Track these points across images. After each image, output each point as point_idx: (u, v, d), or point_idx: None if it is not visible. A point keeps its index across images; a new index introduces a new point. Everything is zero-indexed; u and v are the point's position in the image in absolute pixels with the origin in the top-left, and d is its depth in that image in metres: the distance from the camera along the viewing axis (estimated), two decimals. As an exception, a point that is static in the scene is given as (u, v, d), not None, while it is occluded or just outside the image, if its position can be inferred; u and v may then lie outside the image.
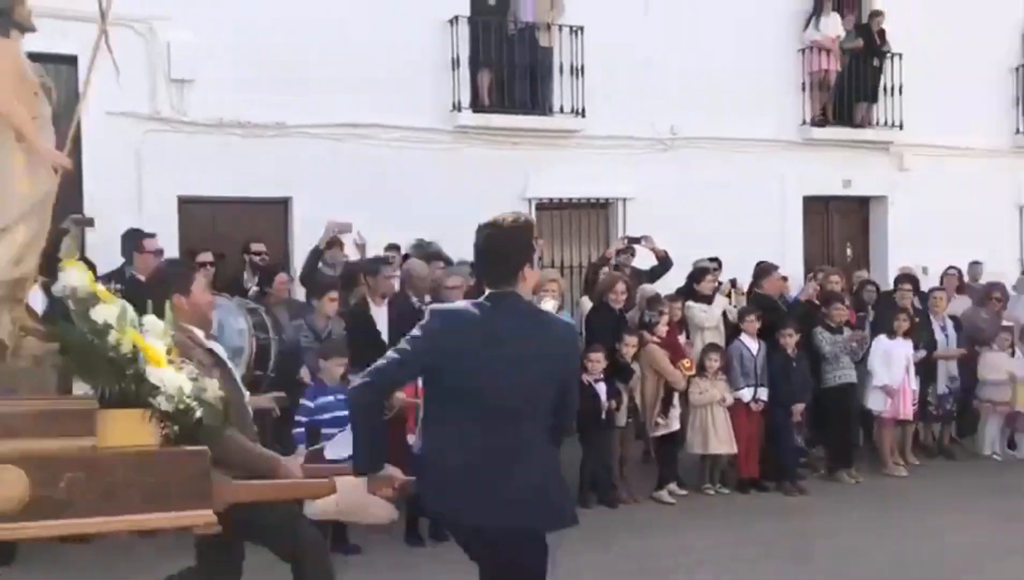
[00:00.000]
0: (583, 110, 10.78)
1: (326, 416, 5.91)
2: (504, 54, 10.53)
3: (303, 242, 8.79)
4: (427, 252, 8.29)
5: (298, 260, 8.80)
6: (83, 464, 2.58)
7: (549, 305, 6.78)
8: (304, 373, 6.43)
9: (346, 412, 5.55)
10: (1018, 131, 13.28)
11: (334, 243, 7.89)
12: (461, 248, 8.25)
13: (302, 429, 5.90)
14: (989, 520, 6.84)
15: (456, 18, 10.32)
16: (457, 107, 10.40)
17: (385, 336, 6.56)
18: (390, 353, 3.23)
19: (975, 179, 12.60)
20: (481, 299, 3.19)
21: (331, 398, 5.97)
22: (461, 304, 3.53)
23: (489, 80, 10.62)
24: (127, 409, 2.76)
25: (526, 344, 3.09)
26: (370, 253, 8.16)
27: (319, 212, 8.55)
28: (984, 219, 12.69)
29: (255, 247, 8.60)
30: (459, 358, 3.07)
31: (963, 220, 12.28)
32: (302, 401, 6.00)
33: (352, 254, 8.17)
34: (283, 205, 10.03)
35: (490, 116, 10.54)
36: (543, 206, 11.06)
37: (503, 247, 3.14)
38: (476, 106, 10.53)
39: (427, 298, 7.05)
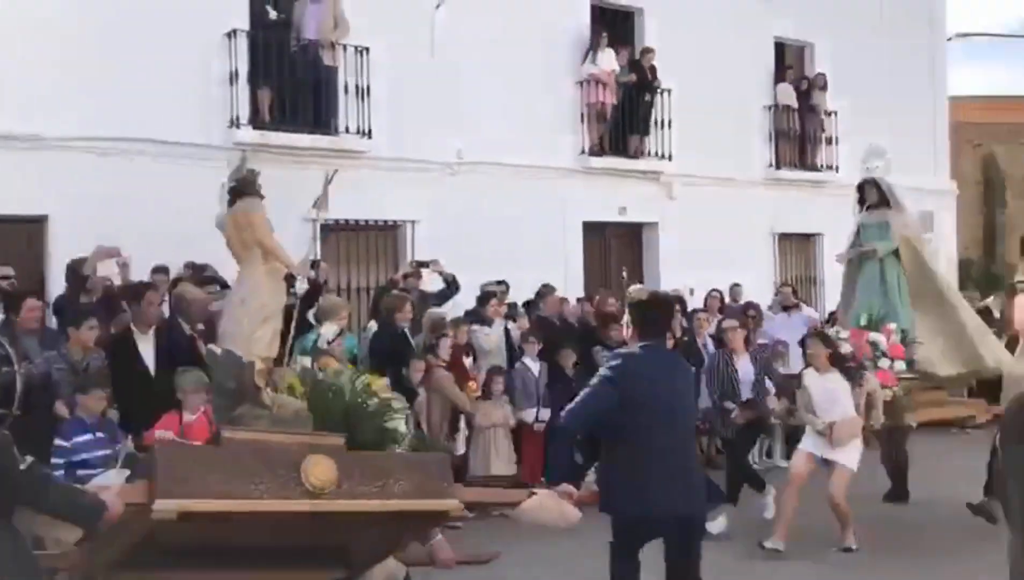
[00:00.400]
0: (369, 131, 10.67)
1: (84, 456, 5.41)
2: (286, 71, 10.23)
3: (61, 264, 8.07)
4: (201, 276, 7.85)
5: (55, 284, 8.08)
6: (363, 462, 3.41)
7: (331, 330, 6.63)
8: (60, 407, 5.87)
9: (107, 451, 5.12)
10: (771, 164, 14.53)
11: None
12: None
13: (61, 471, 5.33)
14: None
15: (234, 31, 9.93)
16: (236, 123, 9.98)
17: (151, 367, 6.12)
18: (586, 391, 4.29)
19: (735, 208, 13.66)
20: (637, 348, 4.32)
21: (90, 436, 5.48)
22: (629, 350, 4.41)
23: (270, 97, 10.27)
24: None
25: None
26: (134, 277, 7.61)
27: (79, 232, 7.90)
28: (743, 244, 13.78)
29: (0, 270, 7.79)
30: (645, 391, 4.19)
31: (725, 245, 13.29)
32: (57, 440, 5.47)
33: (114, 277, 7.59)
34: (39, 224, 9.18)
35: (272, 134, 10.19)
36: (329, 228, 10.80)
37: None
38: (256, 123, 10.15)
39: (200, 327, 6.66)
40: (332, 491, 3.20)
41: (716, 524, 6.40)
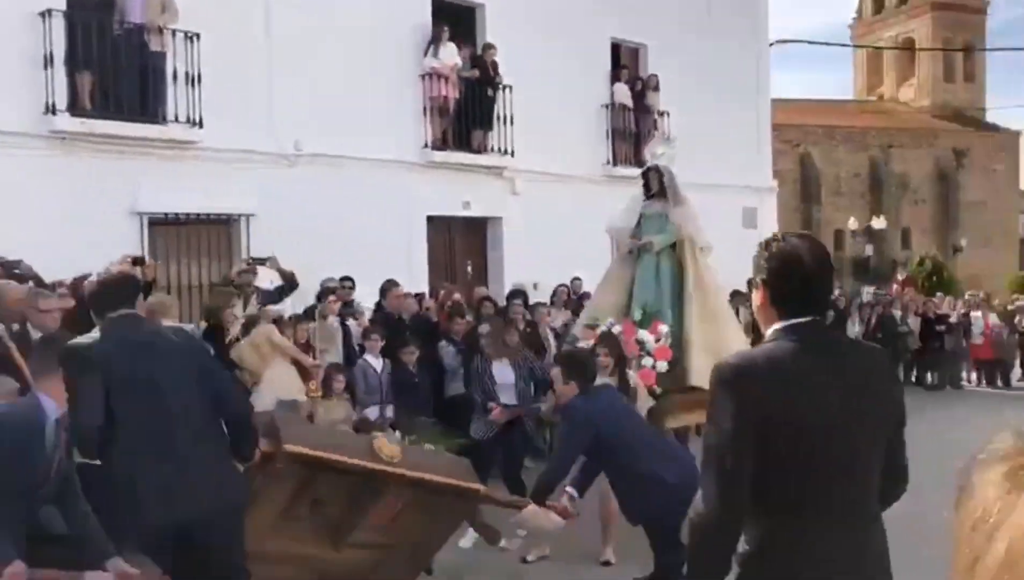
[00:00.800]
0: (200, 120, 10.20)
1: None
2: (108, 55, 9.62)
3: None
4: (11, 272, 7.25)
5: None
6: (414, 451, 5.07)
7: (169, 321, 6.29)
8: None
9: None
10: (607, 161, 14.95)
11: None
12: (60, 266, 7.38)
13: None
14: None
15: (49, 11, 9.23)
16: (52, 110, 9.29)
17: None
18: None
19: (575, 204, 13.95)
20: None
21: None
22: None
23: (91, 82, 9.63)
24: None
25: None
26: (-62, 275, 6.95)
27: None
28: (583, 240, 14.09)
29: None
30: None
31: (566, 240, 13.55)
32: None
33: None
34: None
35: (92, 121, 9.56)
36: (158, 222, 10.27)
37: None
38: (75, 110, 9.49)
39: (15, 326, 6.14)
40: (397, 462, 4.17)
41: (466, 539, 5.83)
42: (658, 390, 6.56)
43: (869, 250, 37.69)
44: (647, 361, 6.68)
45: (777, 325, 2.33)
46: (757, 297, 2.42)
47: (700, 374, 6.60)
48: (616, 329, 6.84)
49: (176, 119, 10.08)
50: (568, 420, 4.82)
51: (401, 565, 4.48)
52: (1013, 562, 0.45)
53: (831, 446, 2.23)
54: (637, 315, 7.10)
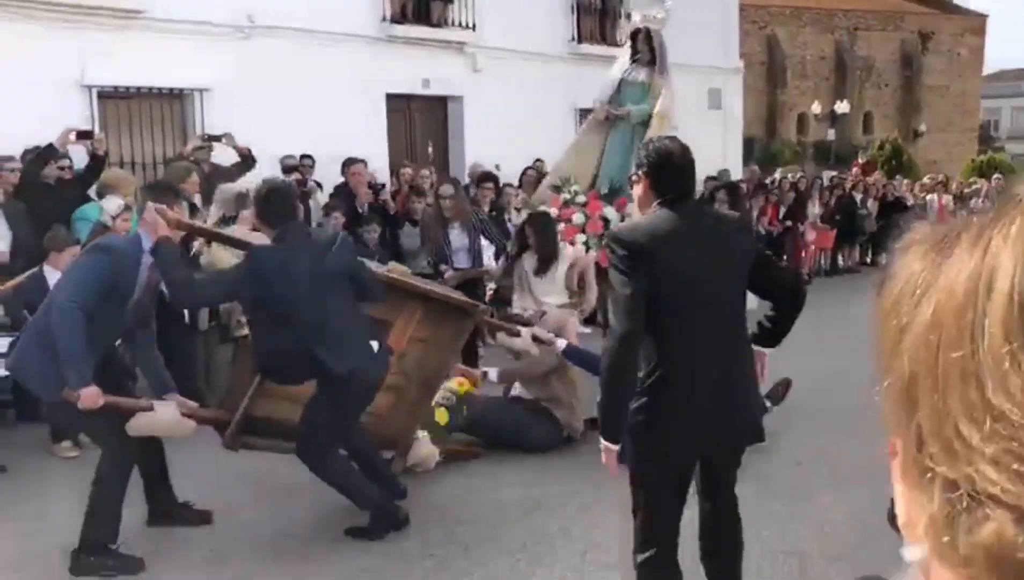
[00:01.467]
0: (148, -12, 9.73)
1: None
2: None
3: None
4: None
5: None
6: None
7: (114, 204, 6.15)
8: None
9: None
10: (572, 38, 14.61)
11: None
12: (8, 139, 7.14)
13: None
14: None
15: None
16: (-13, -26, 8.80)
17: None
18: None
19: (538, 81, 13.70)
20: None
21: None
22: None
23: (30, -55, 9.10)
24: None
25: None
26: None
27: None
28: (546, 120, 13.91)
29: None
30: None
31: (529, 120, 13.36)
32: None
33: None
34: None
35: (34, -12, 9.09)
36: (107, 95, 9.91)
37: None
38: (15, -25, 8.99)
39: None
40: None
41: None
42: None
43: (832, 135, 37.74)
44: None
45: (656, 204, 3.05)
46: (640, 187, 3.15)
47: None
48: (581, 199, 6.77)
49: (122, -14, 9.61)
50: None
51: (411, 401, 4.75)
52: (939, 322, 0.46)
53: (699, 288, 2.96)
54: (604, 188, 6.85)
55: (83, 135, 6.86)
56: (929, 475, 0.47)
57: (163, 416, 3.92)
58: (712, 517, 3.27)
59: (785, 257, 13.37)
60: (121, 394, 4.04)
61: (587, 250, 6.43)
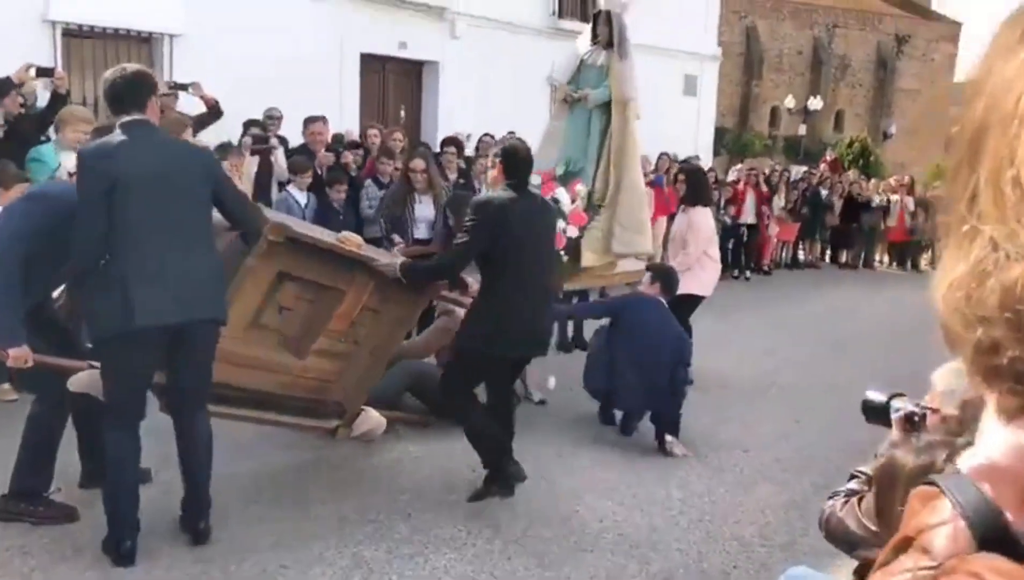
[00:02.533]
0: (121, -75, 9.45)
1: None
2: None
3: None
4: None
5: None
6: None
7: (72, 160, 5.99)
8: None
9: None
10: (553, 12, 14.49)
11: None
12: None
13: None
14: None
15: None
16: None
17: None
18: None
19: (516, 53, 13.58)
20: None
21: None
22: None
23: None
24: None
25: None
26: None
27: None
28: (522, 92, 13.81)
29: None
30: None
31: (504, 91, 13.27)
32: None
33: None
34: None
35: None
36: (72, 33, 9.63)
37: None
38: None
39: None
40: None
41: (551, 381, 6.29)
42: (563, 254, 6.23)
43: (803, 130, 38.00)
44: (559, 224, 6.44)
45: (502, 184, 4.45)
46: (494, 171, 4.56)
47: (624, 242, 6.60)
48: (535, 180, 6.67)
49: (93, -80, 9.32)
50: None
51: (361, 369, 4.70)
52: None
53: (524, 248, 4.35)
54: (559, 170, 6.74)
55: (43, 72, 6.63)
56: (972, 234, 0.49)
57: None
58: (503, 399, 4.70)
59: (744, 248, 13.51)
60: (63, 345, 3.89)
61: None
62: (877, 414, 2.43)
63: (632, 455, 5.34)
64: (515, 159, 4.47)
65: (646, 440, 5.55)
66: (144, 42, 10.29)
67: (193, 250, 3.56)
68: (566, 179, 6.68)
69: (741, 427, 5.99)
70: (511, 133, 12.38)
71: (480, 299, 4.44)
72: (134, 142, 3.44)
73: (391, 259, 4.54)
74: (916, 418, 2.29)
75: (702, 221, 6.95)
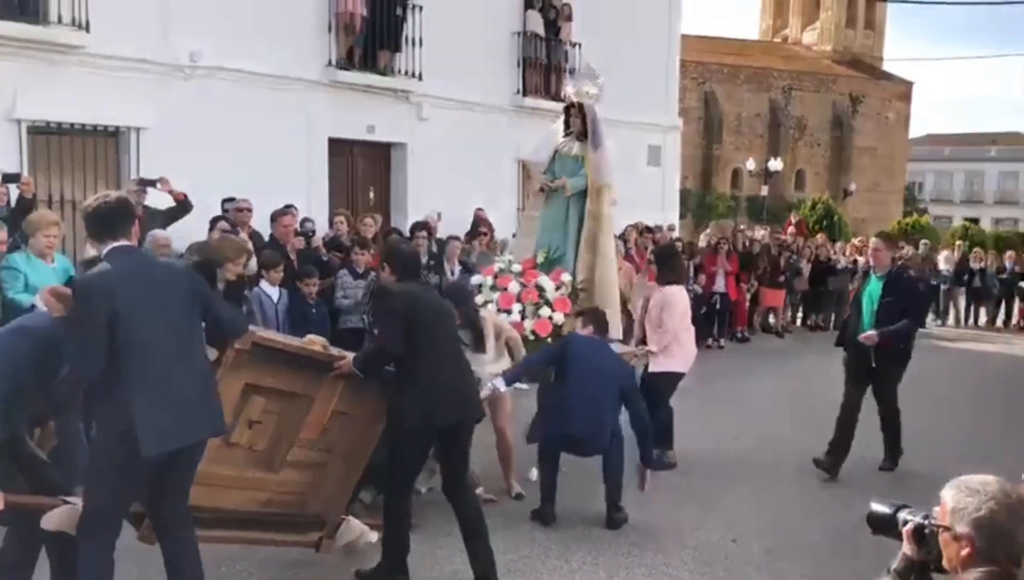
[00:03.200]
0: (87, 23, 9.48)
1: None
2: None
3: None
4: None
5: None
6: None
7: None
8: None
9: None
10: (518, 91, 14.71)
11: None
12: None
13: None
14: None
15: None
16: (-84, 3, 8.48)
17: None
18: None
19: (483, 133, 13.73)
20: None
21: None
22: None
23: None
24: None
25: None
26: None
27: None
28: (489, 170, 13.95)
29: None
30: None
31: (472, 170, 13.39)
32: None
33: None
34: None
35: (-36, 19, 8.78)
36: (39, 130, 9.60)
37: None
38: (-56, 4, 8.69)
39: None
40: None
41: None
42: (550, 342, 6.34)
43: (765, 191, 38.69)
44: (544, 311, 6.48)
45: (398, 280, 4.65)
46: (387, 271, 4.71)
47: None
48: (516, 268, 6.75)
49: (60, 20, 9.35)
50: None
51: (337, 477, 4.62)
52: None
53: (436, 328, 4.61)
54: (540, 257, 6.88)
55: (8, 178, 6.55)
56: None
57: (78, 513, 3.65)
58: (460, 489, 4.68)
59: (723, 317, 13.59)
60: (39, 480, 3.77)
61: (522, 318, 6.44)
62: (884, 526, 2.41)
63: (620, 548, 5.23)
64: (402, 253, 4.87)
65: (637, 531, 5.46)
66: (111, 136, 10.27)
67: (191, 365, 3.64)
68: (547, 266, 6.77)
69: (727, 515, 5.92)
70: (479, 209, 12.52)
71: (402, 381, 4.44)
72: (127, 270, 3.53)
73: (350, 355, 4.52)
74: (926, 531, 2.29)
75: (677, 299, 6.99)
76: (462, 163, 13.25)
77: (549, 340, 6.36)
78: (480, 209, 12.50)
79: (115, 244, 3.60)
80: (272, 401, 4.28)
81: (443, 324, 4.62)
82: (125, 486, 3.56)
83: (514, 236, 11.15)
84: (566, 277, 6.67)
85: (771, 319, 15.15)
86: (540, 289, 6.53)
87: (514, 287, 6.59)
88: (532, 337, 6.32)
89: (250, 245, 7.32)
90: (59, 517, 3.60)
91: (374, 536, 4.88)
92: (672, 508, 5.89)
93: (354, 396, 4.46)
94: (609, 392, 5.54)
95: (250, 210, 8.82)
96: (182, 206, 8.37)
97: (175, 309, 3.61)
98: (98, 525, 3.52)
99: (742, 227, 17.19)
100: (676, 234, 15.65)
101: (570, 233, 6.86)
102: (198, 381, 3.65)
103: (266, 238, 8.69)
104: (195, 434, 3.66)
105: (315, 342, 4.48)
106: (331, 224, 10.16)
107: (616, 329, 6.63)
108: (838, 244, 17.28)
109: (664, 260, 7.25)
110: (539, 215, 7.12)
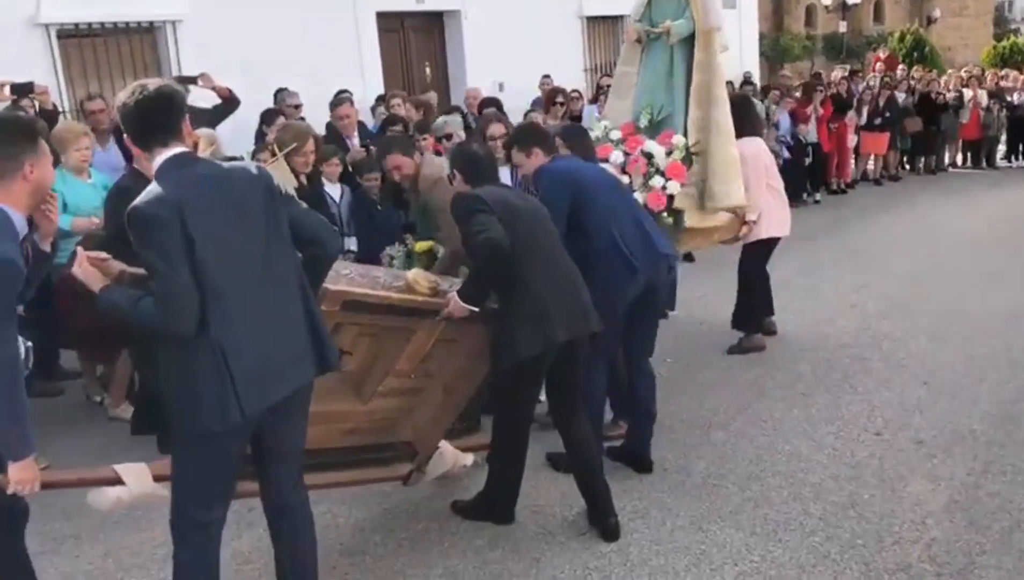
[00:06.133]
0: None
1: None
2: None
3: None
4: None
5: None
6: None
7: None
8: None
9: None
10: (579, -59, 13.40)
11: None
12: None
13: None
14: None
15: None
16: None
17: None
18: None
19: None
20: None
21: None
22: None
23: None
24: None
25: None
26: None
27: None
28: (551, 31, 12.85)
29: None
30: None
31: (532, 33, 12.32)
32: None
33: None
34: None
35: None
36: (68, 34, 8.93)
37: None
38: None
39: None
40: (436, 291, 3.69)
41: None
42: (666, 217, 5.47)
43: (843, 27, 36.05)
44: (656, 180, 5.50)
45: (467, 187, 3.86)
46: (459, 180, 3.97)
47: (720, 196, 5.70)
48: (615, 135, 5.86)
49: (73, -92, 8.53)
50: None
51: (434, 405, 4.04)
52: None
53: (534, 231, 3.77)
54: (643, 120, 5.88)
55: (20, 89, 5.83)
56: None
57: (136, 487, 3.06)
58: (574, 415, 3.96)
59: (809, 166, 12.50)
60: None
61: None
62: None
63: (745, 468, 4.60)
64: (473, 159, 3.99)
65: (757, 444, 4.81)
66: (146, 33, 9.55)
67: (288, 296, 2.83)
68: (653, 130, 5.86)
69: (864, 403, 5.21)
70: (546, 77, 11.51)
71: (505, 305, 3.66)
72: (193, 187, 2.65)
73: (452, 293, 3.68)
74: None
75: (756, 152, 6.06)
76: (522, 27, 12.19)
77: (665, 215, 5.55)
78: (547, 76, 11.49)
79: (166, 153, 2.70)
80: (366, 329, 3.63)
81: (543, 226, 3.81)
82: (226, 456, 2.79)
83: (593, 101, 10.21)
84: (677, 139, 5.70)
85: (870, 166, 13.96)
86: (648, 156, 5.65)
87: (616, 157, 5.63)
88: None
89: (313, 129, 6.56)
90: (111, 499, 3.07)
91: (470, 459, 4.37)
92: (804, 402, 5.22)
93: (461, 322, 3.73)
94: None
95: (298, 106, 8.13)
96: (228, 102, 7.71)
97: (259, 225, 2.75)
98: (193, 512, 2.81)
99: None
100: (756, 84, 14.34)
101: (676, 88, 5.87)
102: (297, 309, 2.85)
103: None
104: (301, 378, 2.87)
105: (419, 282, 3.69)
106: (387, 107, 9.35)
107: (737, 195, 5.73)
108: (943, 78, 15.66)
109: (740, 109, 6.16)
110: (636, 71, 6.14)
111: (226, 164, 2.96)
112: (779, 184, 6.17)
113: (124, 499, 3.08)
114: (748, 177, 5.80)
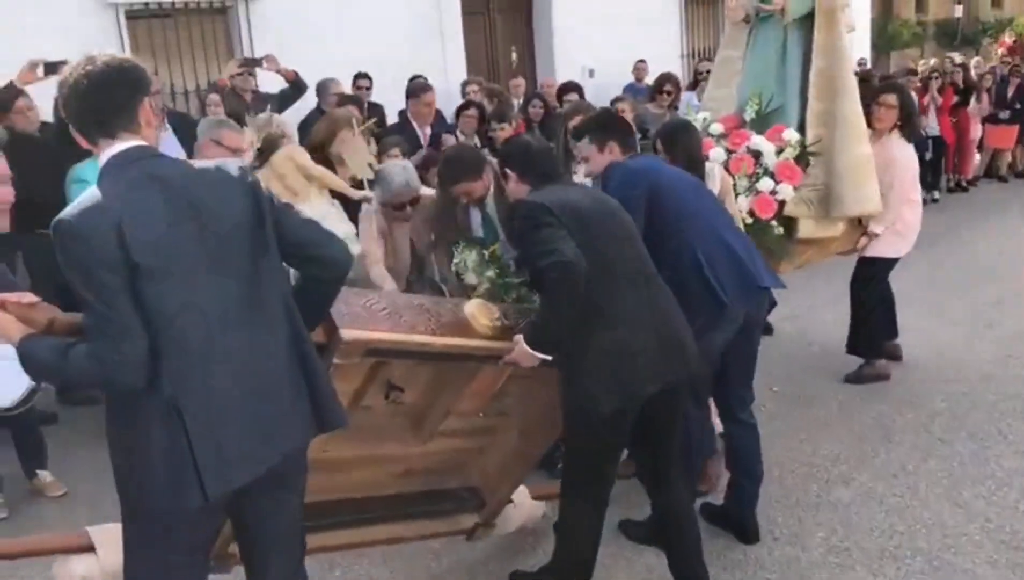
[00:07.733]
0: None
1: None
2: None
3: None
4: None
5: None
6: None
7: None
8: None
9: None
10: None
11: None
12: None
13: None
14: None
15: None
16: None
17: None
18: None
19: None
20: None
21: None
22: None
23: None
24: None
25: None
26: None
27: None
28: (646, 12, 12.04)
29: None
30: None
31: (626, 15, 11.54)
32: None
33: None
34: None
35: None
36: (137, 14, 8.56)
37: None
38: None
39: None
40: (498, 328, 2.91)
41: None
42: (776, 226, 4.67)
43: (958, 11, 33.87)
44: (765, 183, 4.68)
45: (529, 190, 3.07)
46: (513, 181, 3.16)
47: (851, 202, 4.81)
48: (715, 129, 5.02)
49: None
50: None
51: (509, 449, 3.35)
52: None
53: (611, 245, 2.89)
54: (749, 112, 5.02)
55: (53, 67, 5.35)
56: None
57: (110, 560, 2.46)
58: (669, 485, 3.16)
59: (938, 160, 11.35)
60: None
61: (736, 197, 4.46)
62: None
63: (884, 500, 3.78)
64: (528, 147, 3.22)
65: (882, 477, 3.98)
66: (218, 13, 9.13)
67: (275, 337, 2.14)
68: (761, 123, 4.98)
69: (1020, 457, 4.30)
70: (641, 62, 10.69)
71: (575, 342, 2.76)
72: (143, 193, 2.00)
73: (518, 335, 2.85)
74: None
75: (907, 157, 5.15)
76: (614, 7, 11.39)
77: (774, 223, 4.73)
78: (642, 61, 10.68)
79: (115, 147, 2.06)
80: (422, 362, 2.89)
81: (623, 230, 2.94)
82: (177, 553, 2.12)
83: (691, 88, 9.36)
84: (790, 135, 4.82)
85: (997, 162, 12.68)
86: (755, 154, 4.78)
87: (718, 155, 4.77)
88: (750, 219, 4.62)
89: (355, 112, 5.98)
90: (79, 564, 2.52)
91: (541, 509, 3.69)
92: (916, 453, 4.38)
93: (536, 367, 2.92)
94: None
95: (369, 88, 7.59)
96: (295, 86, 7.22)
97: (233, 246, 2.07)
98: None
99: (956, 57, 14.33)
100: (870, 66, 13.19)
101: (790, 76, 4.97)
102: (287, 354, 2.16)
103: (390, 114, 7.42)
104: (288, 442, 2.17)
105: (478, 318, 2.88)
106: (462, 93, 8.70)
107: (873, 200, 4.83)
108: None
109: (904, 101, 5.21)
110: (741, 55, 5.26)
111: (197, 163, 2.22)
112: (919, 196, 5.28)
113: (93, 576, 2.49)
114: (891, 185, 4.92)
